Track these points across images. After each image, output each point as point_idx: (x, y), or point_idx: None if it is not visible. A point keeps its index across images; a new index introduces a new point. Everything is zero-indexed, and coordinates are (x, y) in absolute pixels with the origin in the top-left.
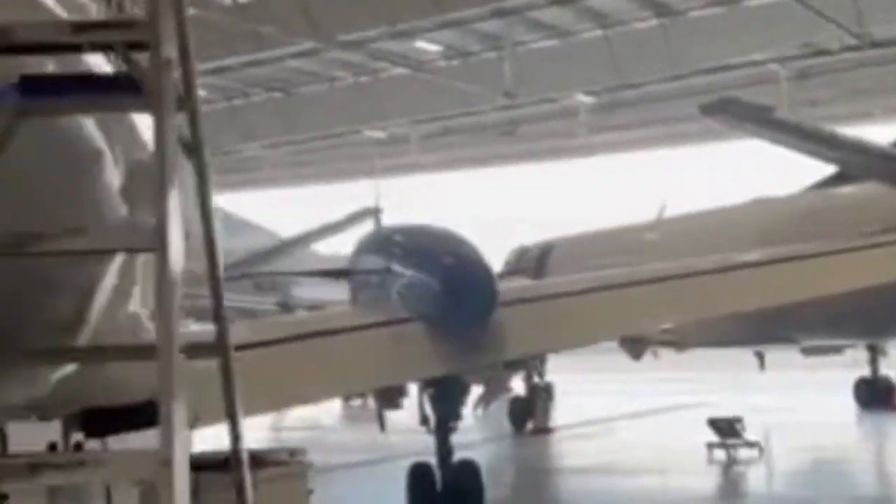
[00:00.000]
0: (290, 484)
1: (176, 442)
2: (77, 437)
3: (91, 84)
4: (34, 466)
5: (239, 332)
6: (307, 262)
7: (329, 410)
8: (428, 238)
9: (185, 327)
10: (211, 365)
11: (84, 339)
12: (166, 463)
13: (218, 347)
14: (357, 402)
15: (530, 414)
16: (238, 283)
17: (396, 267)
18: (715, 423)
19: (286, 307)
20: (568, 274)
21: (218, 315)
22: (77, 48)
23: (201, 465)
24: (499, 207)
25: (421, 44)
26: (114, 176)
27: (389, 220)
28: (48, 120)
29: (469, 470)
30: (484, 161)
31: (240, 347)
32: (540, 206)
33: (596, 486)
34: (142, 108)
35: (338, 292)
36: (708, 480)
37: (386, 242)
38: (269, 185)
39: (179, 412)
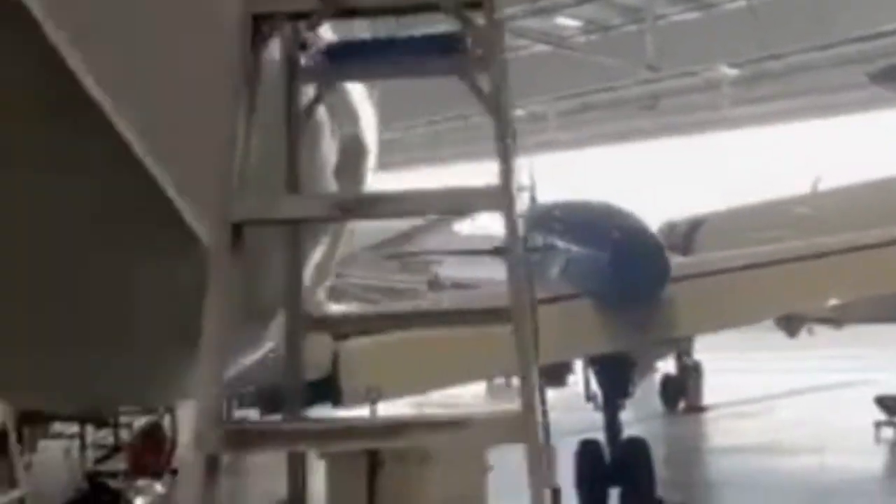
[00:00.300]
0: (469, 459)
1: (536, 401)
2: (236, 413)
3: (393, 48)
4: (401, 426)
5: (406, 309)
6: (448, 242)
7: (472, 389)
8: (593, 212)
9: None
10: (390, 340)
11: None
12: (532, 423)
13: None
14: (500, 381)
15: (682, 392)
16: (384, 263)
17: (560, 243)
18: (883, 401)
19: (437, 286)
20: (718, 250)
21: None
22: (404, 10)
23: None
24: (641, 183)
25: (561, 19)
26: (331, 149)
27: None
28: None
29: (638, 447)
30: (624, 136)
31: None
32: (683, 182)
33: (757, 466)
34: (459, 69)
35: (486, 271)
36: (875, 459)
37: (546, 218)
38: (405, 167)
39: (535, 374)
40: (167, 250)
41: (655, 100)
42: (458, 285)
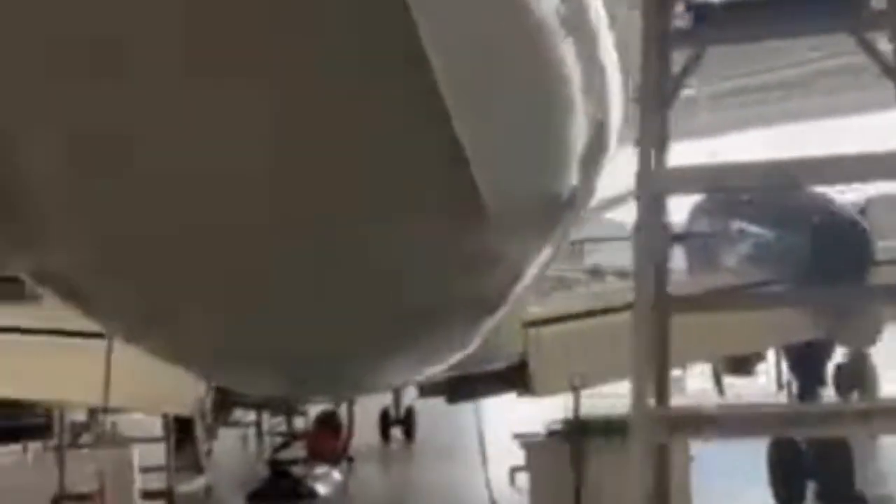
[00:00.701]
0: (674, 450)
1: None
2: (409, 402)
3: (778, 6)
4: (867, 413)
5: (585, 300)
6: (603, 229)
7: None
8: (788, 196)
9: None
10: (590, 326)
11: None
12: None
13: None
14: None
15: (858, 381)
16: None
17: (751, 228)
18: None
19: (597, 274)
20: (887, 233)
21: None
22: None
23: (590, 430)
24: None
25: None
26: (581, 132)
27: None
28: None
29: (837, 442)
30: (779, 119)
31: (589, 314)
32: None
33: None
34: (851, 26)
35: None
36: None
37: (732, 203)
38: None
39: None
40: (444, 229)
41: (812, 80)
42: (621, 274)
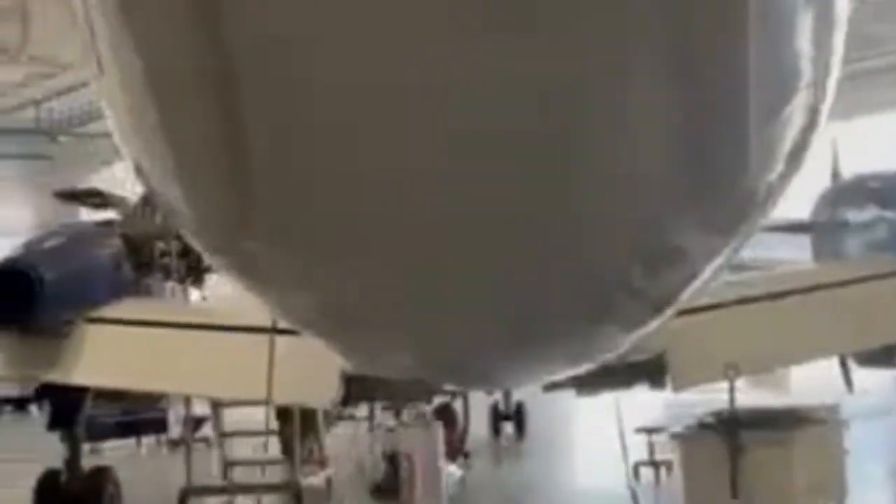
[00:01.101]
0: (829, 443)
1: None
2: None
3: None
4: None
5: (718, 291)
6: None
7: None
8: None
9: None
10: (738, 314)
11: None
12: None
13: None
14: None
15: None
16: None
17: (887, 214)
18: None
19: None
20: None
21: None
22: None
23: (744, 422)
24: None
25: None
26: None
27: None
28: None
29: None
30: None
31: (728, 304)
32: None
33: None
34: None
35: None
36: None
37: (860, 191)
38: None
39: None
40: (652, 225)
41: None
42: (736, 267)
